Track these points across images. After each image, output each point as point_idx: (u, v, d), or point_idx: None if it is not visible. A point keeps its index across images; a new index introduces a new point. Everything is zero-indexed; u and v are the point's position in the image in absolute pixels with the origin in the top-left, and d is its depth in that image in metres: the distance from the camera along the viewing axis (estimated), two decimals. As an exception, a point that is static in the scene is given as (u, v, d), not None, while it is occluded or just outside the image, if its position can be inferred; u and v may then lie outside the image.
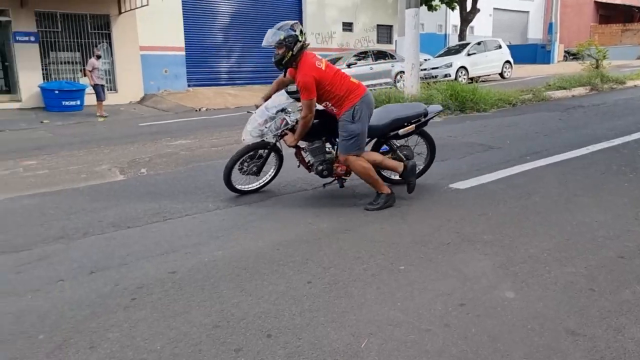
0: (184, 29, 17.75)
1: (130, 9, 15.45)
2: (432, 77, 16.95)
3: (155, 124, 11.50)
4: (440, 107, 4.86)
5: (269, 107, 4.39)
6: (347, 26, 22.72)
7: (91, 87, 13.44)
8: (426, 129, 4.71)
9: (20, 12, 14.06)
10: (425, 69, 17.23)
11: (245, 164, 4.60)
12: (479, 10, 22.92)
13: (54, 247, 3.65)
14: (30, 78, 14.36)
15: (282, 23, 4.11)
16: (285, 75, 4.32)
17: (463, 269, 3.01)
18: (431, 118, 4.57)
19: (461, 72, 17.54)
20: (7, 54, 14.68)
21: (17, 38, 14.10)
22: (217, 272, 3.09)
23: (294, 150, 4.57)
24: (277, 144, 4.58)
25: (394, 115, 4.43)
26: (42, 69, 14.69)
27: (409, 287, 2.81)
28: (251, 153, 4.58)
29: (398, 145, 4.64)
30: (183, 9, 17.61)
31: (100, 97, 13.27)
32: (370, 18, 23.31)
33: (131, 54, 16.10)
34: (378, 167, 4.40)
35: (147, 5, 14.92)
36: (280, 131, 4.41)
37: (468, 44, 18.87)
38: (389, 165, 4.40)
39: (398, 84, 16.01)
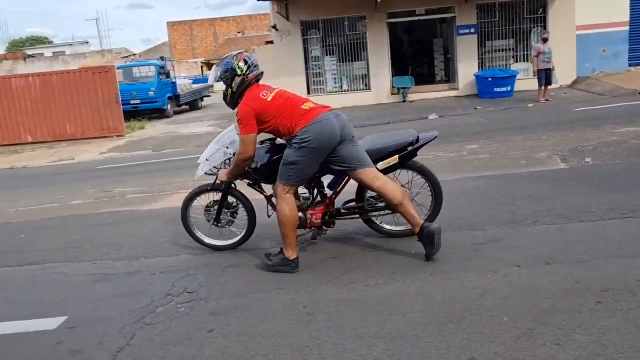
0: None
1: (571, -12, 14.67)
2: None
3: (592, 109, 10.57)
4: (436, 133, 3.66)
5: (221, 140, 3.80)
6: None
7: (534, 73, 13.25)
8: None
9: (464, 8, 15.32)
10: None
11: (213, 209, 3.91)
12: None
13: (505, 231, 3.75)
14: (467, 68, 15.55)
15: (226, 55, 3.59)
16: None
17: None
18: (421, 147, 3.57)
19: None
20: (450, 47, 16.34)
21: (459, 31, 15.48)
22: None
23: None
24: (233, 185, 3.83)
25: (369, 145, 3.51)
26: (479, 59, 15.66)
27: None
28: (214, 196, 3.92)
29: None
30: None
31: (542, 82, 12.93)
32: None
33: (566, 35, 15.28)
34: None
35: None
36: (221, 168, 3.80)
37: None
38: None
39: None
